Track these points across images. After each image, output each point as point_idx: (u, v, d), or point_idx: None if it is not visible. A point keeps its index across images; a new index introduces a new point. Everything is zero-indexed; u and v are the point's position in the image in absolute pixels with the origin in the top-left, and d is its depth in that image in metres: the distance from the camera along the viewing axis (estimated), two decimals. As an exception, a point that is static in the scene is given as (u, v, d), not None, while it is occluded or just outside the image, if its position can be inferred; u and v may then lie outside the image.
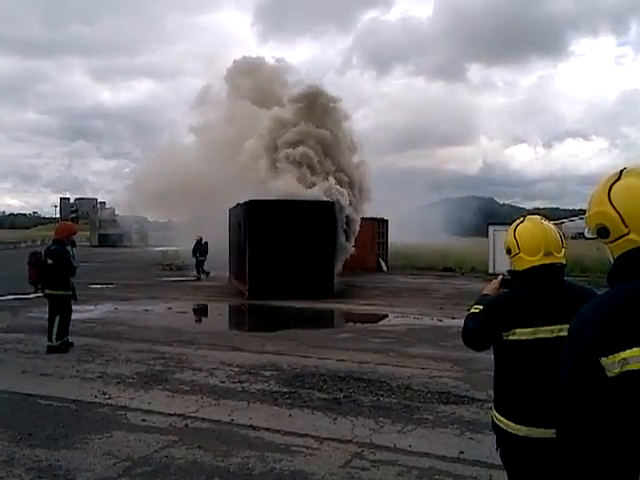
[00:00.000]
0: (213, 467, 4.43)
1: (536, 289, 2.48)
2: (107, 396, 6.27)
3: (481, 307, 2.61)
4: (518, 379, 2.45)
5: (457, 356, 8.03)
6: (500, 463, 2.61)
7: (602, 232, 1.65)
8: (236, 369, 7.51)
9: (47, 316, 8.77)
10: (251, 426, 5.33)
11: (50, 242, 9.26)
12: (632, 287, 1.54)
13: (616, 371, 1.46)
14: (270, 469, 4.39)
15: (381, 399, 6.24)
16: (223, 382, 6.90)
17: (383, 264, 25.34)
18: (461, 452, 4.72)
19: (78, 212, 61.73)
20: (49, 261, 8.64)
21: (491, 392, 2.68)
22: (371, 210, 23.16)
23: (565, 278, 2.56)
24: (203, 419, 5.55)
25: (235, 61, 28.93)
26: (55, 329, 8.56)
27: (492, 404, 2.62)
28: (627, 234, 1.59)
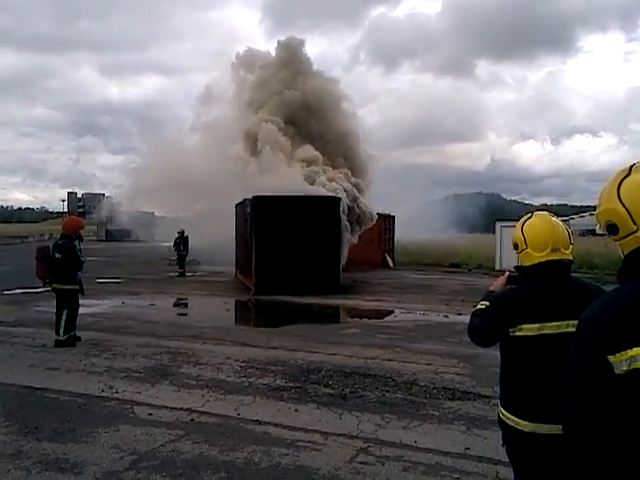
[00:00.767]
0: (219, 461, 4.44)
1: (543, 285, 2.46)
2: (114, 390, 6.30)
3: (487, 303, 2.60)
4: (524, 375, 2.44)
5: (463, 352, 8.01)
6: (506, 459, 2.60)
7: (611, 229, 1.63)
8: (242, 364, 7.53)
9: (55, 310, 8.82)
10: (257, 421, 5.34)
11: (58, 236, 9.31)
12: None
13: (624, 369, 1.45)
14: (276, 464, 4.40)
15: (387, 395, 6.25)
16: (229, 377, 6.92)
17: (389, 260, 25.30)
18: (467, 448, 4.72)
19: (85, 207, 62.04)
20: (57, 255, 8.69)
21: (497, 388, 2.67)
22: (377, 206, 23.14)
23: (572, 275, 2.55)
24: (209, 414, 5.56)
25: (238, 54, 28.66)
26: (63, 323, 8.62)
27: (498, 400, 2.61)
28: (636, 231, 1.57)
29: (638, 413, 1.44)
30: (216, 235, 22.09)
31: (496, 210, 67.35)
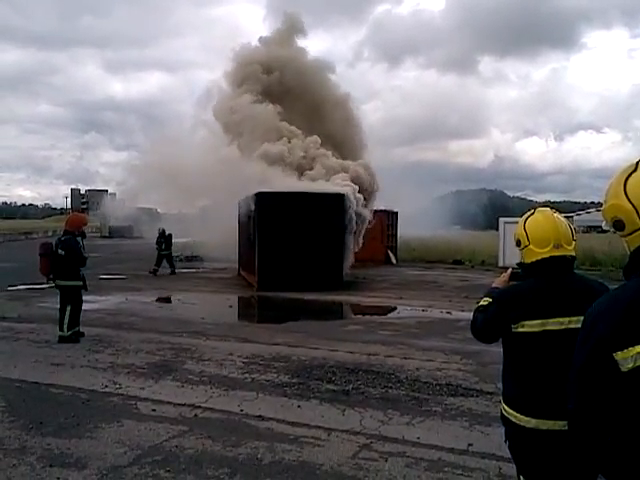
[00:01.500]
0: (222, 457, 4.46)
1: (545, 281, 2.46)
2: (117, 386, 6.33)
3: (490, 300, 2.60)
4: (527, 371, 2.44)
5: (466, 349, 8.02)
6: (509, 455, 2.61)
7: (618, 225, 1.62)
8: (245, 360, 7.55)
9: (58, 306, 8.85)
10: (260, 417, 5.36)
11: (61, 233, 9.32)
12: None
13: (630, 366, 1.45)
14: (279, 459, 4.41)
15: (390, 391, 6.25)
16: (232, 373, 6.94)
17: (392, 256, 25.27)
18: (470, 444, 4.72)
19: (88, 203, 62.15)
20: (60, 252, 8.71)
21: (500, 385, 2.67)
22: (381, 202, 23.09)
23: (575, 271, 2.55)
24: (213, 409, 5.58)
25: (234, 50, 28.41)
26: (66, 319, 8.64)
27: (501, 397, 2.61)
28: None
29: None
30: (219, 231, 22.04)
31: (499, 207, 67.17)
